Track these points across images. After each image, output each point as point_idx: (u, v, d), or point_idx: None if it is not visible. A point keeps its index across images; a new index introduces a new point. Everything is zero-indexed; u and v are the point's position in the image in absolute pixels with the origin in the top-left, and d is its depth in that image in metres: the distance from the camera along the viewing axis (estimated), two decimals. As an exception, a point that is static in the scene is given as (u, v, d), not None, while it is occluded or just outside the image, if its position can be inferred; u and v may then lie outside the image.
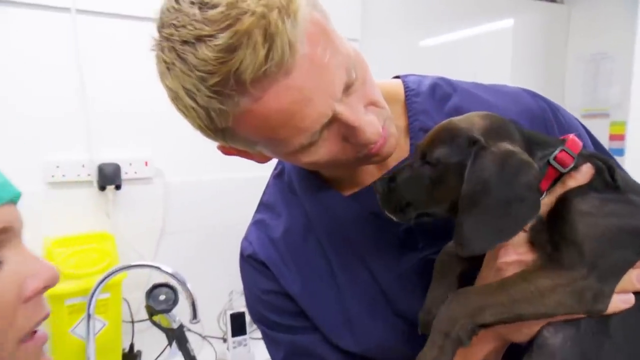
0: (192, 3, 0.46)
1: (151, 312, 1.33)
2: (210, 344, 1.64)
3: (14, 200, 0.48)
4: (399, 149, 0.60)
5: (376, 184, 0.55)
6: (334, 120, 0.51)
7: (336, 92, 0.50)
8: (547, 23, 2.46)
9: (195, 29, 0.45)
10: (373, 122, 0.53)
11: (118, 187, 1.46)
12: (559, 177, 0.50)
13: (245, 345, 1.57)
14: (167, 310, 1.33)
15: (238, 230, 0.78)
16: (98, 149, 1.45)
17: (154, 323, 1.35)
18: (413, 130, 0.63)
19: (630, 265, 0.48)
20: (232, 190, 1.64)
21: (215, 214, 1.63)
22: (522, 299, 0.46)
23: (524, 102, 0.65)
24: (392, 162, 0.62)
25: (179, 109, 0.51)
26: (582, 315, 0.47)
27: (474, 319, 0.47)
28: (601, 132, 2.28)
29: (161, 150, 1.55)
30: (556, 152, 0.50)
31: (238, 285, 0.73)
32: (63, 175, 1.41)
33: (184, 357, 1.35)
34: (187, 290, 1.22)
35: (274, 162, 0.66)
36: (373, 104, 0.55)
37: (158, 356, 1.54)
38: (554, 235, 0.48)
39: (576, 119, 0.68)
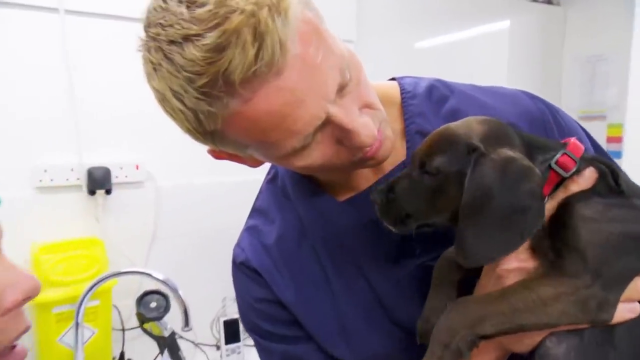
0: (180, 2, 0.45)
1: (142, 319, 1.31)
2: (203, 351, 1.61)
3: (-8, 206, 0.46)
4: (395, 153, 0.59)
5: (374, 195, 0.53)
6: (328, 122, 0.50)
7: (329, 94, 0.48)
8: (544, 25, 2.46)
9: (183, 28, 0.44)
10: (368, 125, 0.52)
11: (108, 192, 1.44)
12: (561, 182, 0.49)
13: (239, 352, 1.55)
14: (159, 318, 1.31)
15: (231, 234, 0.77)
16: (87, 152, 1.42)
17: (145, 331, 1.33)
18: (409, 133, 0.62)
19: (635, 272, 0.46)
20: (225, 193, 1.62)
21: (207, 218, 1.61)
22: (524, 309, 0.45)
23: (522, 104, 0.64)
24: (388, 165, 0.61)
25: (167, 111, 0.50)
26: (586, 325, 0.46)
27: (474, 330, 0.46)
28: (598, 134, 2.27)
29: (152, 153, 1.52)
30: (558, 155, 0.49)
31: (231, 291, 0.72)
32: (51, 180, 1.38)
33: (176, 365, 1.33)
34: (179, 298, 1.21)
35: (267, 165, 0.64)
36: (368, 106, 0.54)
37: (149, 364, 1.52)
38: (556, 241, 0.47)
39: (575, 121, 0.67)
